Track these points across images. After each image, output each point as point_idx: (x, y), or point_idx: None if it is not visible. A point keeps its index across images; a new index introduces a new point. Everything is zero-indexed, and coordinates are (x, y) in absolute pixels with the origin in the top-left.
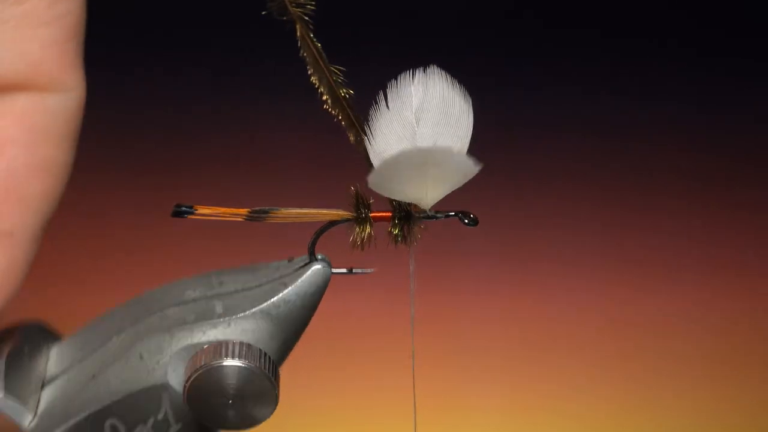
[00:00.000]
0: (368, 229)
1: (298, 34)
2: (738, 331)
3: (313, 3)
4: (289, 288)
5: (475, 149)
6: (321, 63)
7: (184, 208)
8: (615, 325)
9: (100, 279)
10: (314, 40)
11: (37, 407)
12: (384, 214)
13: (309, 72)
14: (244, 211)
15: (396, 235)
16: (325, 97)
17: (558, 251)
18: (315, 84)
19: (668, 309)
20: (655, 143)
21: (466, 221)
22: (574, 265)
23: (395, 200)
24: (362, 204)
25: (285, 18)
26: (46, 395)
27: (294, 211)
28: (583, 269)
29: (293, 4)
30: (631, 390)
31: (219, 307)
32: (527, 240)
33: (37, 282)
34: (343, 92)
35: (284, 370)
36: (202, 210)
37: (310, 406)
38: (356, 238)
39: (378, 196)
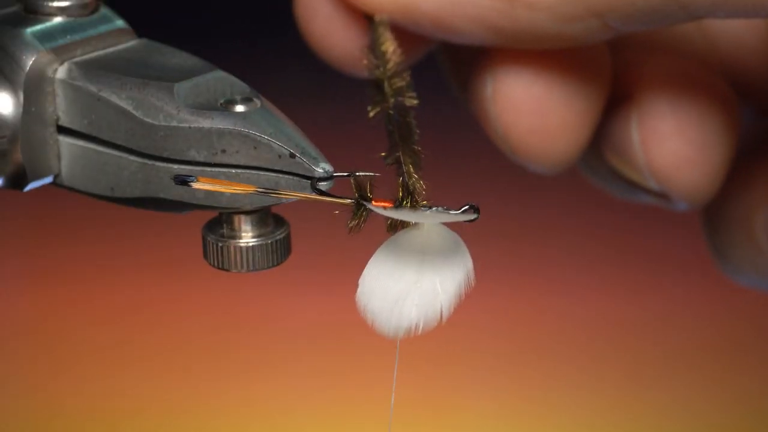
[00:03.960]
0: (367, 214)
1: (405, 121)
2: (738, 331)
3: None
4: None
5: (474, 147)
6: (409, 144)
7: (186, 178)
8: (613, 324)
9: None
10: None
11: None
12: (385, 203)
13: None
14: (251, 188)
15: (392, 224)
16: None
17: (556, 250)
18: (389, 160)
19: (667, 308)
20: None
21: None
22: (571, 264)
23: (398, 191)
24: (363, 193)
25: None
26: None
27: (302, 194)
28: (581, 268)
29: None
30: (629, 389)
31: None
32: (525, 238)
33: (37, 280)
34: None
35: (280, 371)
36: (204, 180)
37: (305, 405)
38: (354, 223)
39: (377, 183)
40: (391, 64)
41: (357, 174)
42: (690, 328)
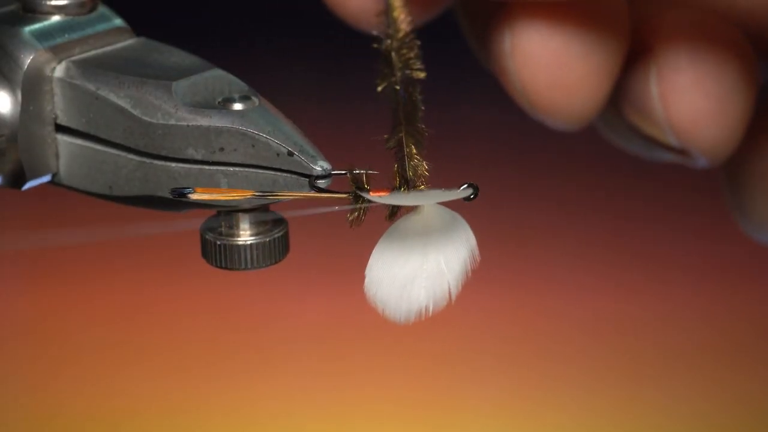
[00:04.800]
0: (366, 207)
1: (411, 97)
2: (738, 331)
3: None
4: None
5: (474, 146)
6: (413, 122)
7: (183, 190)
8: (613, 324)
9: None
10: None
11: None
12: (383, 192)
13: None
14: (249, 192)
15: (392, 212)
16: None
17: (555, 249)
18: (390, 142)
19: (667, 308)
20: None
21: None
22: (571, 264)
23: (395, 178)
24: (360, 185)
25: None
26: None
27: (301, 193)
28: (581, 269)
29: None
30: (629, 389)
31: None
32: (524, 238)
33: (35, 279)
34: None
35: (280, 369)
36: (201, 191)
37: (304, 404)
38: (354, 216)
39: (375, 181)
40: (401, 33)
41: (355, 171)
42: (690, 328)
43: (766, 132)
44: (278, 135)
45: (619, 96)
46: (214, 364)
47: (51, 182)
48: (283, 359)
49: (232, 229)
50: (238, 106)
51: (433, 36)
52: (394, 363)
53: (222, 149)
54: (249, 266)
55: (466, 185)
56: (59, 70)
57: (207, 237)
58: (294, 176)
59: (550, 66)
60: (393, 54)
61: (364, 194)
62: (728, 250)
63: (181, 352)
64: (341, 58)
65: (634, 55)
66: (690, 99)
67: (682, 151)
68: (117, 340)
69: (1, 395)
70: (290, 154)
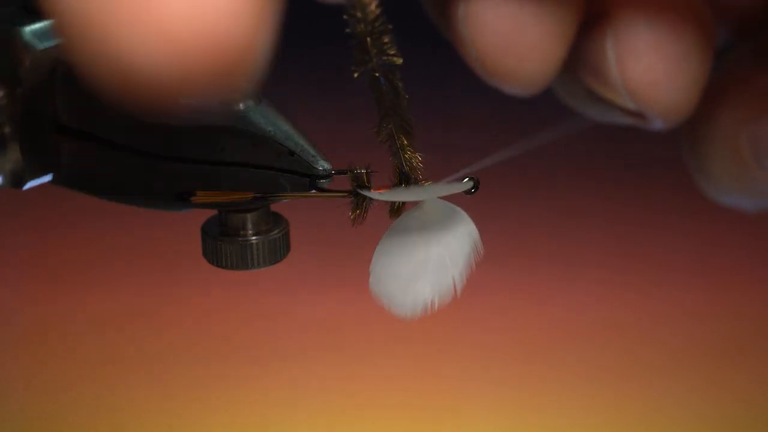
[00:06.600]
0: (368, 205)
1: (392, 84)
2: (739, 332)
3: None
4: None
5: (474, 146)
6: (398, 111)
7: (183, 194)
8: (612, 324)
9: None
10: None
11: None
12: (383, 189)
13: (381, 121)
14: (250, 194)
15: (395, 209)
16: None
17: (557, 250)
18: (380, 131)
19: (668, 309)
20: (657, 140)
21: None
22: (573, 264)
23: (396, 173)
24: (361, 183)
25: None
26: None
27: (302, 193)
28: (582, 268)
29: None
30: (630, 390)
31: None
32: (526, 238)
33: (35, 279)
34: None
35: (279, 369)
36: (203, 194)
37: (306, 404)
38: (356, 214)
39: (376, 180)
40: (371, 17)
41: (355, 170)
42: (690, 328)
43: (722, 94)
44: (279, 135)
45: (576, 60)
46: (214, 364)
47: (51, 182)
48: (284, 359)
49: (233, 229)
50: (239, 106)
51: (431, 30)
52: (396, 362)
53: (223, 149)
54: (250, 266)
55: (466, 179)
56: (60, 70)
57: (207, 237)
58: (295, 176)
59: (503, 31)
60: (368, 39)
61: (365, 192)
62: (728, 251)
63: (181, 352)
64: (341, 57)
65: (591, 19)
66: (646, 62)
67: (638, 114)
68: (117, 339)
69: (1, 396)
70: (291, 153)
